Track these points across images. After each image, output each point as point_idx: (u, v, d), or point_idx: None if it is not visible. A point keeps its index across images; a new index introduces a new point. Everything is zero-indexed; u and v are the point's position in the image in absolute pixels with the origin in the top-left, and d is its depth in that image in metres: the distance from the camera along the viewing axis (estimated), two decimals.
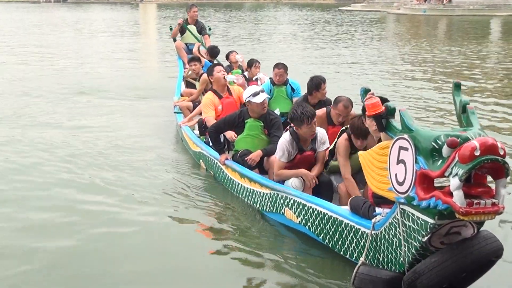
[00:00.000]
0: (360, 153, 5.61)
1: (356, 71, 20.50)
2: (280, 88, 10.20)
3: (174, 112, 11.80)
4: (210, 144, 9.17)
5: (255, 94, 8.07)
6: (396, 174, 5.08)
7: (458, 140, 4.64)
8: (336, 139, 7.18)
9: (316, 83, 8.85)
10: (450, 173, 4.59)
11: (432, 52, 26.17)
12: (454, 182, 4.55)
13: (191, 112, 11.01)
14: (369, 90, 5.49)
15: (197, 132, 10.19)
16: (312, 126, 7.08)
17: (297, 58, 22.95)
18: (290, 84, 10.28)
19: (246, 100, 8.13)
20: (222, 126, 8.41)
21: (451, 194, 4.62)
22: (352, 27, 39.90)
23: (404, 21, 48.11)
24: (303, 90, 10.26)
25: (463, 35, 35.37)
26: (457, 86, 5.36)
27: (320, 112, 8.19)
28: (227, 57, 13.22)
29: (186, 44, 15.07)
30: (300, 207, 6.78)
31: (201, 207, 8.07)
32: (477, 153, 4.47)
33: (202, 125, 9.76)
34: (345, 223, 6.09)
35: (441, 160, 4.71)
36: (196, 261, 6.50)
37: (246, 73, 11.78)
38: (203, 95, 10.89)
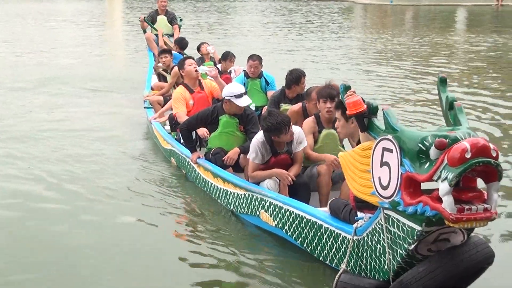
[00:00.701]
0: (340, 154, 5.26)
1: (326, 62, 20.02)
2: (254, 81, 9.90)
3: (144, 107, 11.38)
4: (182, 141, 8.78)
5: (239, 96, 7.64)
6: (379, 178, 4.74)
7: (447, 141, 4.32)
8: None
9: (296, 77, 8.54)
10: (439, 177, 4.26)
11: (400, 41, 25.91)
12: (443, 187, 4.22)
13: (161, 107, 10.61)
14: (350, 87, 5.13)
15: (168, 128, 9.80)
16: (290, 131, 6.71)
17: (266, 50, 22.44)
18: (264, 77, 10.00)
19: (226, 98, 7.72)
20: (194, 123, 8.00)
21: (440, 200, 4.29)
22: (321, 17, 39.44)
23: (371, 11, 47.89)
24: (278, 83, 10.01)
25: (430, 25, 35.28)
26: (443, 81, 5.03)
27: (296, 107, 7.91)
28: (198, 49, 12.82)
29: (156, 35, 14.64)
30: (276, 209, 6.42)
31: (172, 208, 7.68)
32: (468, 155, 4.15)
33: (173, 121, 9.36)
34: (324, 227, 5.74)
35: (428, 163, 4.38)
36: (165, 267, 6.10)
37: (219, 66, 11.40)
38: (175, 89, 10.52)
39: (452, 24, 36.48)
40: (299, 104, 7.94)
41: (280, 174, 6.72)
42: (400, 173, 4.53)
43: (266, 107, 9.18)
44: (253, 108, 9.37)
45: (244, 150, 7.55)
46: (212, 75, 9.14)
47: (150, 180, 8.59)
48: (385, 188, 4.69)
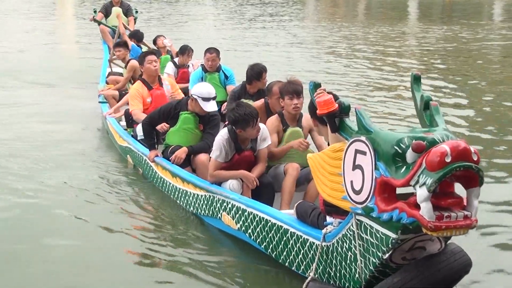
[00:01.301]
0: (309, 155, 4.96)
1: (280, 54, 19.50)
2: (213, 75, 9.61)
3: (99, 102, 10.93)
4: (138, 138, 8.41)
5: (206, 100, 7.30)
6: (352, 181, 4.46)
7: (425, 143, 4.05)
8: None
9: (257, 72, 8.26)
10: (417, 182, 3.99)
11: (354, 32, 25.71)
12: (421, 193, 3.95)
13: (117, 102, 10.19)
14: (320, 85, 4.83)
15: (123, 123, 9.40)
16: (257, 126, 6.39)
17: (220, 43, 21.92)
18: (223, 71, 9.72)
19: (194, 96, 7.35)
20: (157, 117, 7.60)
21: (417, 206, 4.03)
22: (273, 7, 39.06)
23: (324, 2, 47.67)
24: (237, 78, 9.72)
25: (382, 15, 35.32)
26: (417, 79, 4.79)
27: (259, 103, 7.63)
28: (154, 42, 12.49)
29: (111, 28, 14.16)
30: (239, 212, 6.10)
31: (128, 210, 7.28)
32: (448, 159, 3.88)
33: (129, 117, 8.97)
34: (291, 232, 5.43)
35: (405, 167, 4.10)
36: (118, 275, 5.74)
37: (176, 59, 11.03)
38: (131, 83, 10.13)
39: (404, 15, 36.56)
40: (262, 100, 7.67)
41: (246, 176, 6.37)
42: (374, 177, 4.25)
43: (226, 103, 8.90)
44: None
45: (194, 151, 7.23)
46: (170, 94, 8.80)
47: (104, 180, 8.18)
48: (357, 193, 4.40)
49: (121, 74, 11.38)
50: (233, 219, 6.21)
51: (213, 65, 9.54)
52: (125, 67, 10.84)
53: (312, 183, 6.35)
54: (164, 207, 7.33)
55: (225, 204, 6.32)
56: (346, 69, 16.90)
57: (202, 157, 7.08)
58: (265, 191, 6.45)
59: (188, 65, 10.81)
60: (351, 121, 4.60)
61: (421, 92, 4.68)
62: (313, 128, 6.64)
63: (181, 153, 7.21)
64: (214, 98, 7.39)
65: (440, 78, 15.37)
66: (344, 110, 4.61)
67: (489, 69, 17.17)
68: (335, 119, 4.63)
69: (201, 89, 7.37)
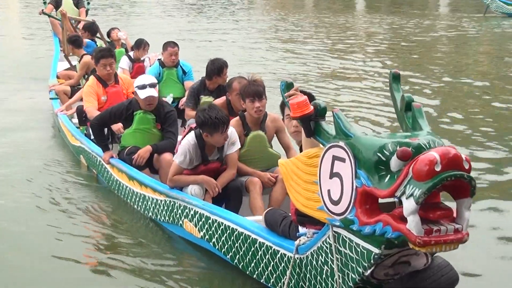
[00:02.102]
0: (281, 161, 4.55)
1: (231, 47, 19.12)
2: (171, 70, 9.23)
3: (50, 98, 10.38)
4: (92, 137, 7.93)
5: (142, 87, 6.86)
6: (329, 191, 4.07)
7: (410, 149, 3.68)
8: None
9: (218, 67, 7.91)
10: (403, 193, 3.61)
11: (303, 23, 25.52)
12: (408, 205, 3.57)
13: (69, 98, 9.65)
14: (292, 85, 4.43)
15: (76, 121, 8.90)
16: (225, 134, 5.94)
17: (163, 34, 21.30)
18: (181, 66, 9.30)
19: (134, 91, 6.96)
20: (107, 118, 7.14)
21: (403, 219, 3.66)
22: None
23: None
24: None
25: (330, 6, 35.21)
26: (396, 78, 4.42)
27: (220, 101, 7.27)
28: (108, 35, 11.97)
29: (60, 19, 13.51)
30: (203, 219, 5.67)
31: (80, 215, 6.80)
32: (438, 168, 3.51)
33: (82, 114, 8.47)
34: (260, 242, 5.02)
35: (389, 176, 3.72)
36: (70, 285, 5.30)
37: (131, 53, 10.54)
38: (85, 78, 9.60)
39: (352, 5, 36.54)
40: (223, 98, 7.29)
41: (208, 182, 5.93)
42: (354, 187, 3.87)
43: (183, 98, 8.51)
44: (170, 100, 8.71)
45: (157, 150, 6.81)
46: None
47: (55, 182, 7.70)
48: (335, 203, 4.02)
49: (75, 67, 10.81)
50: (196, 227, 5.79)
51: (176, 59, 9.14)
52: (79, 61, 10.29)
53: (276, 186, 6.01)
54: (120, 213, 6.89)
55: (187, 210, 5.89)
56: (299, 59, 16.74)
57: (167, 156, 6.64)
58: (232, 197, 6.04)
59: (144, 59, 10.33)
60: (328, 124, 4.21)
61: (401, 92, 4.32)
62: (280, 129, 6.29)
63: (145, 152, 6.78)
64: (152, 85, 6.95)
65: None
66: (320, 112, 4.20)
67: (440, 59, 17.22)
68: (310, 123, 4.23)
69: (137, 80, 7.03)
